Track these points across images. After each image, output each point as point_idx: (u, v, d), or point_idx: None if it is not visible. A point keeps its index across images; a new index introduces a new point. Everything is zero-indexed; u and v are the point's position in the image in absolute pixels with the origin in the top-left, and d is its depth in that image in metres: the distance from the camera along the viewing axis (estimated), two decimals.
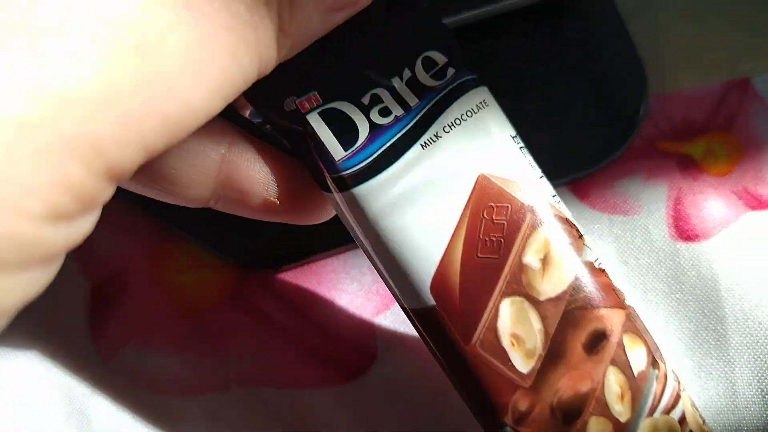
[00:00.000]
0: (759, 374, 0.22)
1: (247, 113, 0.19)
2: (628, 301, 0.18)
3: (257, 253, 0.26)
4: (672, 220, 0.25)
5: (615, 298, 0.18)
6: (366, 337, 0.25)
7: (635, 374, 0.17)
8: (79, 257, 0.29)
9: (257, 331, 0.26)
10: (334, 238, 0.26)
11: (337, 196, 0.18)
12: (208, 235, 0.27)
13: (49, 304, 0.28)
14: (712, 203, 0.25)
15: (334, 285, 0.26)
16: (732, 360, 0.23)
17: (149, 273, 0.28)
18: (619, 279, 0.19)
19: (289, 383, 0.25)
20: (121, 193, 0.28)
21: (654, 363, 0.18)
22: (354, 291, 0.26)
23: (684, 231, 0.25)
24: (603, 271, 0.18)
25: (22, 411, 0.25)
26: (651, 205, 0.25)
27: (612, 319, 0.18)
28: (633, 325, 0.18)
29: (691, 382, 0.23)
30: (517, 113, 0.26)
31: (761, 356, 0.23)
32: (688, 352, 0.23)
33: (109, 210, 0.29)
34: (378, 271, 0.18)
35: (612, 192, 0.26)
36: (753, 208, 0.25)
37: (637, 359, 0.18)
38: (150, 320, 0.27)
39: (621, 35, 0.28)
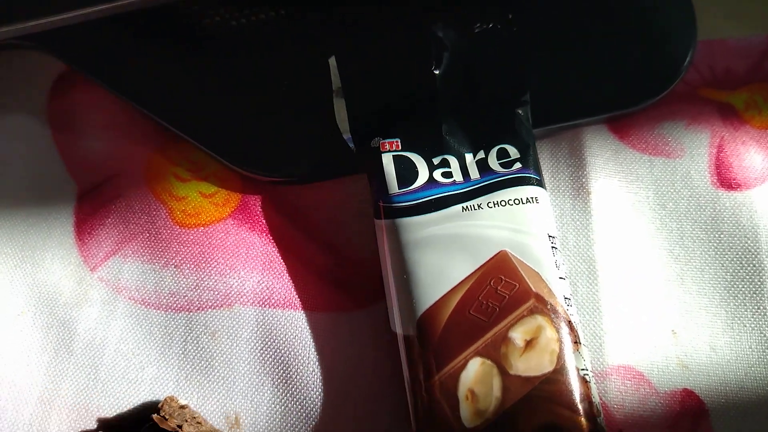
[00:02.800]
0: None
1: (345, 137, 0.24)
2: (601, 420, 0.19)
3: (269, 162, 0.24)
4: (714, 167, 0.24)
5: (587, 409, 0.18)
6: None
7: None
8: (66, 158, 0.26)
9: (264, 250, 0.24)
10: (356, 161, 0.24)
11: (382, 221, 0.21)
12: (214, 139, 0.24)
13: (31, 208, 0.25)
14: (754, 154, 0.24)
15: (350, 207, 0.24)
16: (767, 313, 0.22)
17: (145, 180, 0.25)
18: (597, 395, 0.20)
19: (297, 305, 0.23)
20: (118, 88, 0.25)
21: None
22: (372, 216, 0.24)
23: (726, 179, 0.23)
24: (587, 382, 0.19)
25: None
26: (693, 150, 0.24)
27: (572, 425, 0.18)
28: None
29: (724, 333, 0.22)
30: (565, 46, 0.25)
31: None
32: (723, 303, 0.22)
33: (103, 107, 0.27)
34: (387, 293, 0.21)
35: (653, 134, 0.24)
36: None
37: None
38: (144, 231, 0.24)
39: None
